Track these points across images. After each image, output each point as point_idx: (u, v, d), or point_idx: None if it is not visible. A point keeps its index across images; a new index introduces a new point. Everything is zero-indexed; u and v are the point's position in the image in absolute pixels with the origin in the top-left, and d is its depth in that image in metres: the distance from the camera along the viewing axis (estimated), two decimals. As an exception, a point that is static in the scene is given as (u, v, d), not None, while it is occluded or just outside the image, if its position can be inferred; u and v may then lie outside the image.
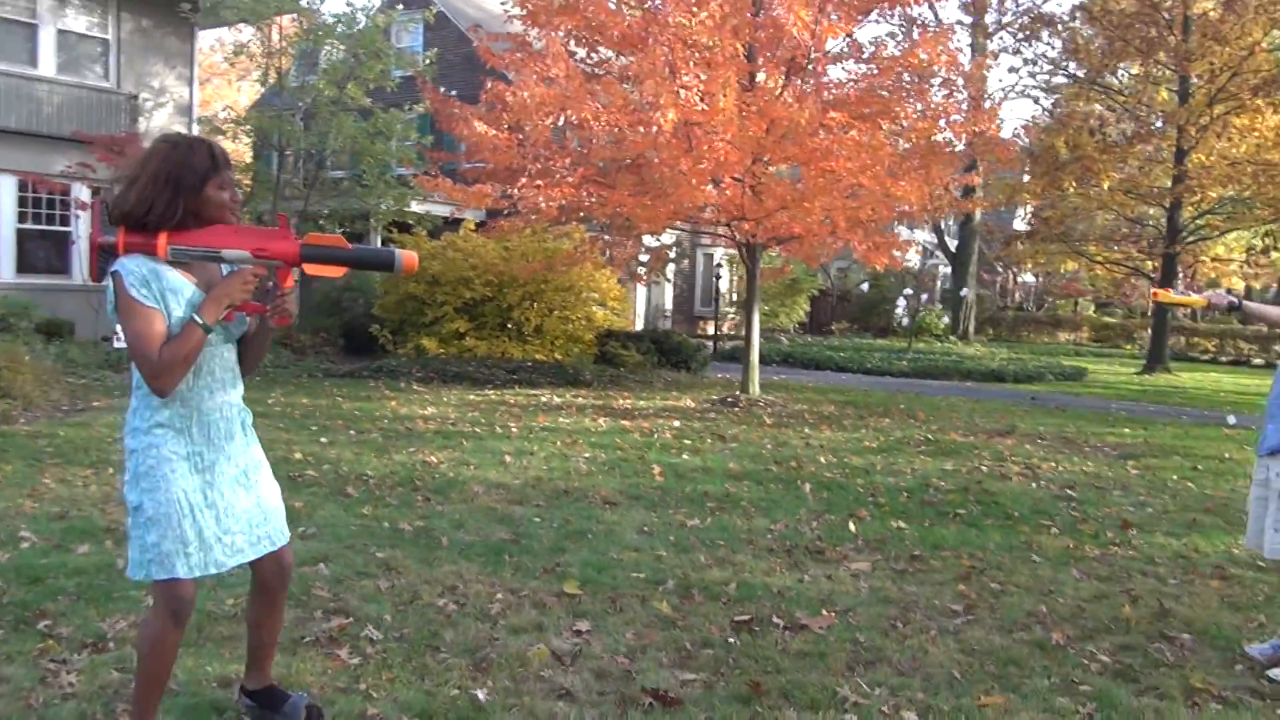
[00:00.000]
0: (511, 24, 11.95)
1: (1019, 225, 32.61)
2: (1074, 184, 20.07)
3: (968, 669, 3.93)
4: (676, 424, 10.30)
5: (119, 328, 2.71)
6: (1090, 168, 19.46)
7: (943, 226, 27.91)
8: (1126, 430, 11.56)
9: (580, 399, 12.31)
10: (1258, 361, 28.14)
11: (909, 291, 24.07)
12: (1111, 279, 29.06)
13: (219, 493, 2.81)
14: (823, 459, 8.57)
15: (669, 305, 28.60)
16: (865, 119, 10.87)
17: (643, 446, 8.84)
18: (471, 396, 12.02)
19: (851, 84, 11.30)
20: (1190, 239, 21.54)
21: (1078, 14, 20.17)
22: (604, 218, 11.75)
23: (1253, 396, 17.78)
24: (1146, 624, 4.62)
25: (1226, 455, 9.89)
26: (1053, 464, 8.83)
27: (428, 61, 16.49)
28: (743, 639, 4.13)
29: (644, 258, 14.52)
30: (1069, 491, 7.65)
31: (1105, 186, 19.72)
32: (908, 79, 11.23)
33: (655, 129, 9.59)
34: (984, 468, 8.50)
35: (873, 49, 11.35)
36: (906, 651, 4.08)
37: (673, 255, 20.76)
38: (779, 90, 10.93)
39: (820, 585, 4.96)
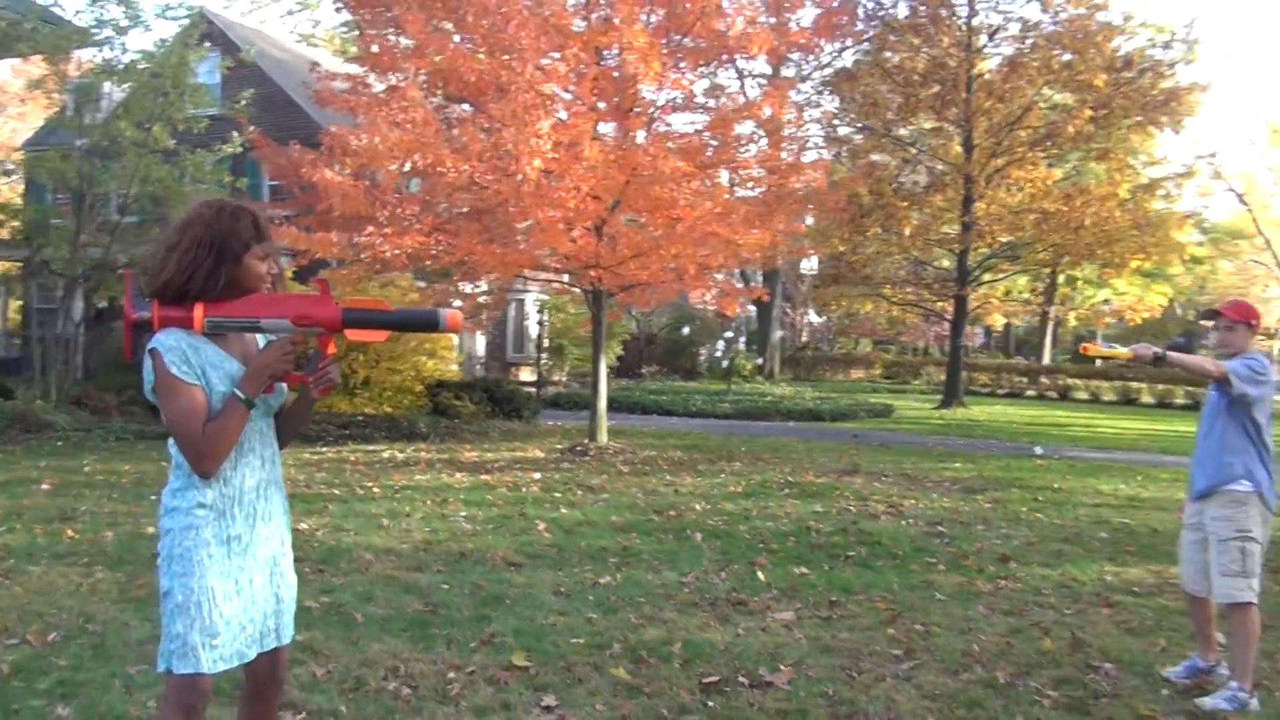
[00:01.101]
0: (320, 65, 11.56)
1: (805, 270, 34.16)
2: (879, 229, 21.31)
3: (941, 715, 4.01)
4: (537, 476, 10.12)
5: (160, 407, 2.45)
6: (893, 214, 20.75)
7: (747, 272, 28.89)
8: (957, 464, 12.24)
9: (423, 453, 11.91)
10: (1030, 393, 30.53)
11: (729, 334, 24.78)
12: (906, 319, 30.90)
13: (249, 579, 2.59)
14: (698, 506, 8.63)
15: (481, 352, 28.23)
16: (705, 168, 11.15)
17: (515, 502, 8.63)
18: (307, 455, 11.41)
19: (694, 134, 11.56)
20: (977, 281, 23.25)
21: (874, 71, 21.46)
22: (451, 265, 11.48)
23: (1040, 426, 19.26)
24: (1068, 655, 4.87)
25: (1056, 485, 10.64)
26: (912, 501, 9.23)
27: (243, 102, 15.70)
28: (717, 701, 4.07)
29: (483, 300, 14.25)
30: (939, 528, 8.01)
31: (906, 232, 21.05)
32: (747, 130, 11.61)
33: (520, 177, 9.48)
34: (852, 508, 8.78)
35: (713, 100, 11.67)
36: (876, 702, 4.13)
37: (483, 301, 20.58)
38: (633, 140, 11.06)
39: (760, 638, 4.96)
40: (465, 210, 11.67)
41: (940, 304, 24.19)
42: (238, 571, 2.54)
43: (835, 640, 4.97)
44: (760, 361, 30.09)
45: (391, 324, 2.56)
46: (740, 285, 16.93)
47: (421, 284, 14.31)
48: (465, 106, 11.31)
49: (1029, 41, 21.01)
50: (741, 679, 4.32)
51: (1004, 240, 22.36)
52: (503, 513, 8.10)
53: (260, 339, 2.65)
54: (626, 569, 6.32)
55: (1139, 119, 20.27)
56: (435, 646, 4.67)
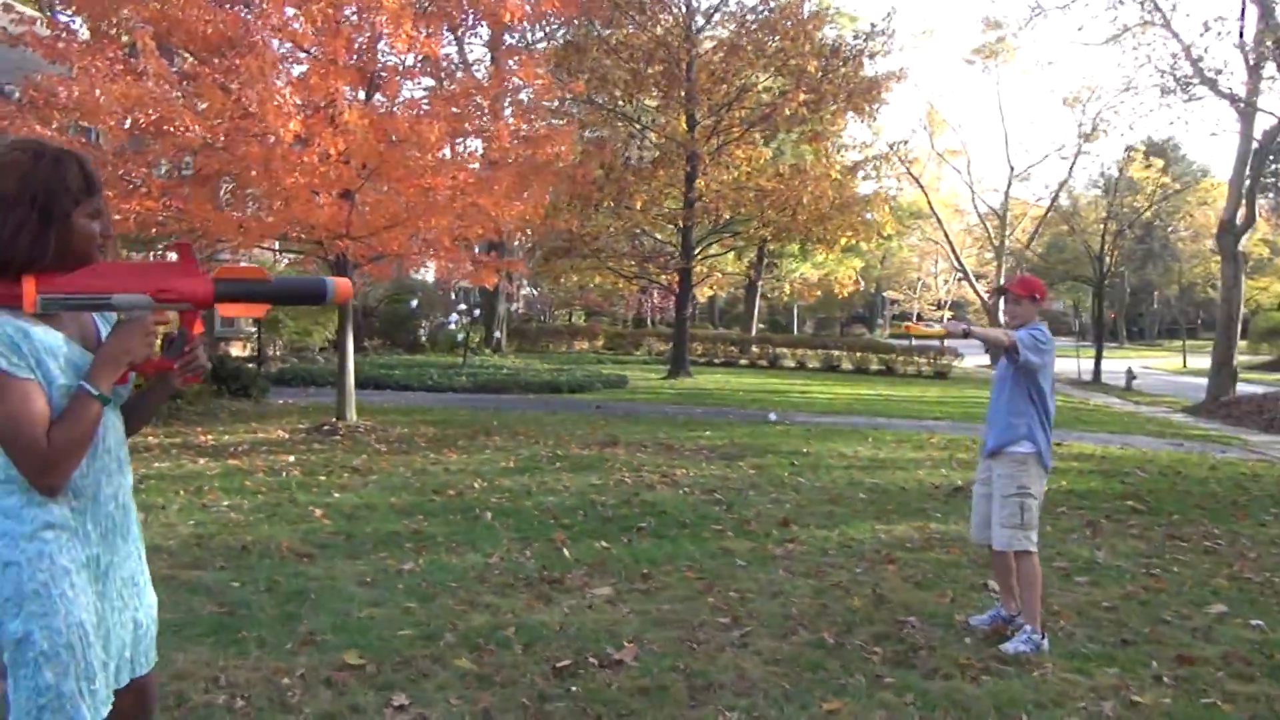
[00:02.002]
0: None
1: (519, 243, 34.14)
2: (611, 203, 21.63)
3: (789, 680, 4.13)
4: (291, 459, 9.50)
5: None
6: (624, 189, 21.13)
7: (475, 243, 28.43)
8: (707, 433, 12.68)
9: (152, 438, 10.86)
10: (743, 362, 32.22)
11: (463, 307, 24.33)
12: (625, 290, 31.63)
13: (110, 606, 2.16)
14: (476, 484, 8.42)
15: (187, 326, 26.15)
16: (461, 136, 10.84)
17: (279, 487, 8.05)
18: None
19: (446, 99, 11.17)
20: (700, 255, 24.18)
21: (600, 46, 21.69)
22: (180, 233, 10.49)
23: (763, 394, 20.37)
24: (875, 612, 5.17)
25: (804, 450, 11.27)
26: (682, 470, 9.47)
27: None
28: (575, 684, 3.98)
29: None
30: (715, 495, 8.27)
31: (638, 206, 21.52)
32: (495, 101, 11.35)
33: (271, 139, 8.76)
34: (627, 479, 8.88)
35: (460, 68, 11.33)
36: (726, 672, 4.19)
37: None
38: (387, 105, 10.51)
39: (589, 617, 4.91)
40: (191, 174, 10.70)
41: (665, 277, 24.95)
42: (99, 599, 2.12)
43: (661, 613, 5.01)
44: (496, 335, 29.84)
45: (270, 296, 2.17)
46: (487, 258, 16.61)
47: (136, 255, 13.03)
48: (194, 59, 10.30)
49: (745, 25, 22.01)
50: (591, 660, 4.26)
51: (727, 217, 23.37)
52: (269, 499, 7.54)
53: (98, 319, 2.18)
54: (426, 553, 6.06)
55: (844, 104, 21.76)
56: (249, 651, 4.27)
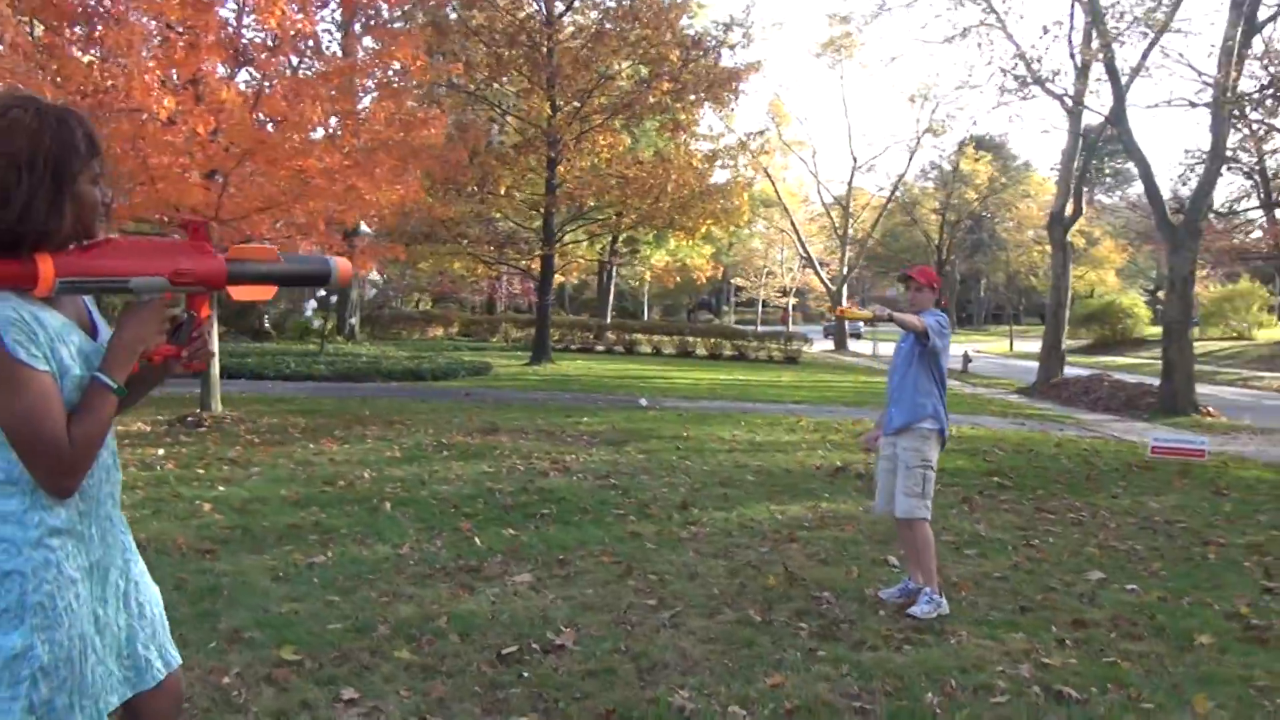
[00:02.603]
0: None
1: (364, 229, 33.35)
2: (475, 188, 21.35)
3: (728, 657, 4.26)
4: (160, 451, 9.07)
5: None
6: (489, 173, 20.89)
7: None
8: (585, 419, 12.74)
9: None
10: (600, 348, 32.37)
11: (321, 292, 23.56)
12: (480, 276, 31.27)
13: (109, 610, 2.03)
14: (366, 475, 8.25)
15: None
16: (342, 117, 10.55)
17: (157, 482, 7.69)
18: None
19: (320, 79, 10.82)
20: (561, 241, 24.16)
21: (461, 28, 21.35)
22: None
23: (627, 379, 20.57)
24: (791, 589, 5.37)
25: (685, 434, 11.47)
26: (571, 456, 9.50)
27: None
28: (526, 670, 4.00)
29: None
30: (610, 480, 8.35)
31: (502, 191, 21.32)
32: (379, 78, 11.09)
33: (145, 116, 8.29)
34: (519, 466, 8.87)
35: (338, 44, 10.99)
36: (668, 651, 4.29)
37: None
38: (262, 84, 10.10)
39: (517, 604, 4.92)
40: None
41: (526, 263, 24.83)
42: (99, 605, 1.99)
43: (587, 598, 5.06)
44: (350, 322, 29.05)
45: (280, 277, 2.07)
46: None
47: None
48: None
49: (608, 13, 22.07)
50: (533, 646, 4.28)
51: (590, 203, 23.43)
52: (151, 495, 7.19)
53: (88, 301, 2.03)
54: (333, 546, 5.92)
55: (704, 95, 22.11)
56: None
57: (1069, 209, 24.32)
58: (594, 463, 9.23)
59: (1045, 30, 30.03)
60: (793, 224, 46.02)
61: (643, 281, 44.46)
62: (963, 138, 50.42)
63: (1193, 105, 23.01)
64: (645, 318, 56.99)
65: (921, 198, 56.68)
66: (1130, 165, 58.39)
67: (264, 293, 2.06)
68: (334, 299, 26.19)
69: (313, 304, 24.66)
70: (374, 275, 46.98)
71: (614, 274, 38.34)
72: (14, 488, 1.81)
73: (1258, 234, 39.39)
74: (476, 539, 6.19)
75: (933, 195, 56.47)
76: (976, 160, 51.29)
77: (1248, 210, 36.39)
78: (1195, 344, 20.85)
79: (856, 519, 7.26)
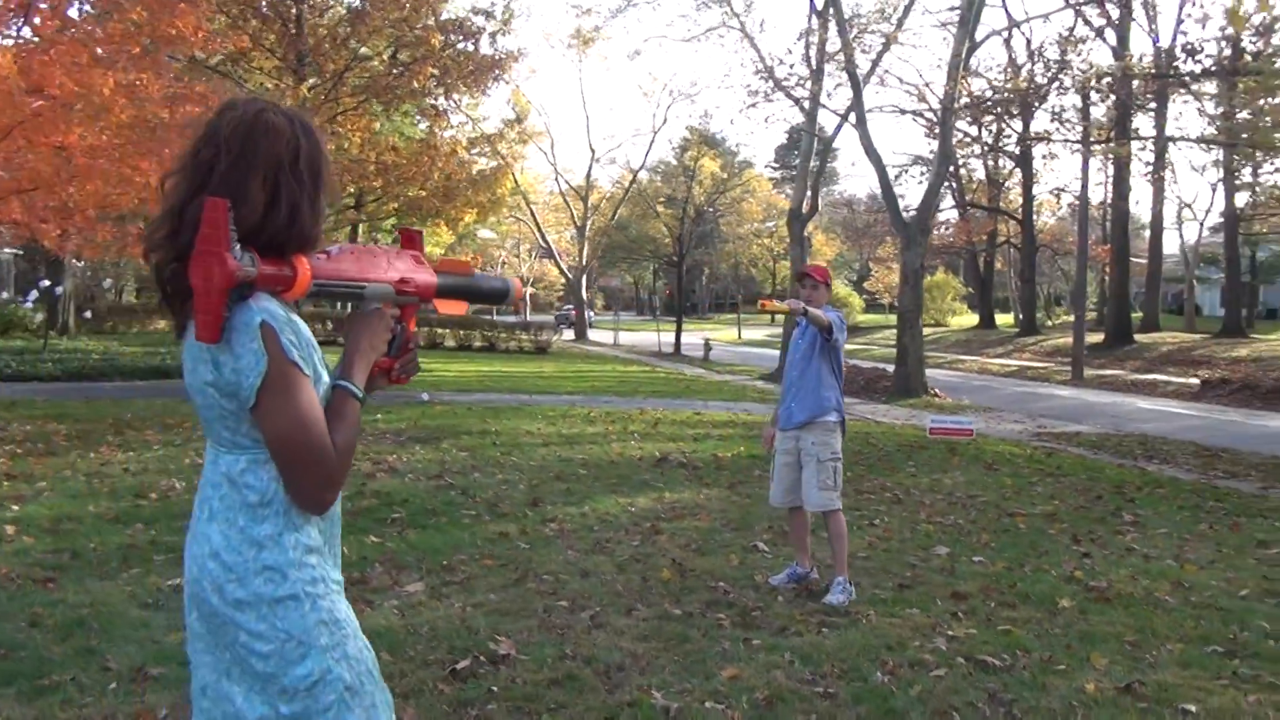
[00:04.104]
0: None
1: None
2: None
3: (674, 653, 4.30)
4: (-91, 468, 7.91)
5: (267, 413, 1.61)
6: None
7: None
8: (379, 416, 12.23)
9: None
10: (340, 341, 31.08)
11: (45, 282, 21.05)
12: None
13: None
14: (177, 484, 7.58)
15: None
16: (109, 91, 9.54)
17: (-71, 503, 6.71)
18: None
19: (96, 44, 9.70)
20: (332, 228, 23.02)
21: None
22: None
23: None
24: (685, 581, 5.47)
25: (493, 429, 11.28)
26: (394, 456, 9.13)
27: None
28: (485, 683, 3.85)
29: None
30: (444, 480, 8.12)
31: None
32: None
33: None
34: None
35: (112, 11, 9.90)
36: (612, 652, 4.28)
37: None
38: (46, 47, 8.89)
39: (427, 615, 4.73)
40: None
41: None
42: None
43: (496, 604, 4.94)
44: (63, 316, 26.20)
45: (472, 293, 2.03)
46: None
47: None
48: None
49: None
50: (480, 658, 4.13)
51: (351, 190, 22.46)
52: (-68, 520, 6.27)
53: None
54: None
55: (469, 82, 21.76)
56: (74, 697, 3.66)
57: (806, 205, 25.89)
58: (419, 462, 8.92)
59: (800, 36, 31.82)
60: (532, 214, 46.13)
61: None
62: (683, 134, 52.46)
63: (917, 114, 25.10)
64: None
65: (652, 191, 58.45)
66: (835, 165, 62.91)
67: (458, 308, 1.97)
68: (60, 290, 23.54)
69: (34, 295, 22.07)
70: (79, 261, 42.91)
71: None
72: (268, 509, 1.71)
73: (953, 231, 43.72)
74: (346, 549, 5.83)
75: (664, 189, 58.38)
76: (703, 157, 53.45)
77: (944, 210, 40.29)
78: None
79: (704, 508, 7.46)
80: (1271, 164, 30.35)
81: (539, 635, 4.46)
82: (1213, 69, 18.58)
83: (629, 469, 9.01)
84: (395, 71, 21.37)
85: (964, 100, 21.18)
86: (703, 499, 7.81)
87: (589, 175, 45.42)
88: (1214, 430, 15.11)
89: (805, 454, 5.39)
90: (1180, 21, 28.60)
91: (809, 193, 25.75)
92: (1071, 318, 31.35)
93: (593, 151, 61.04)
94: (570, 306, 52.67)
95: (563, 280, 55.95)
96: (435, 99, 21.90)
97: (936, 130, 23.55)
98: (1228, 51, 18.41)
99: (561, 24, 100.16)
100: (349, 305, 1.90)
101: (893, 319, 22.27)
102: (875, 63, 22.70)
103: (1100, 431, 14.56)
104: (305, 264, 1.69)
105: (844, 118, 22.87)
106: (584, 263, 46.40)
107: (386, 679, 3.68)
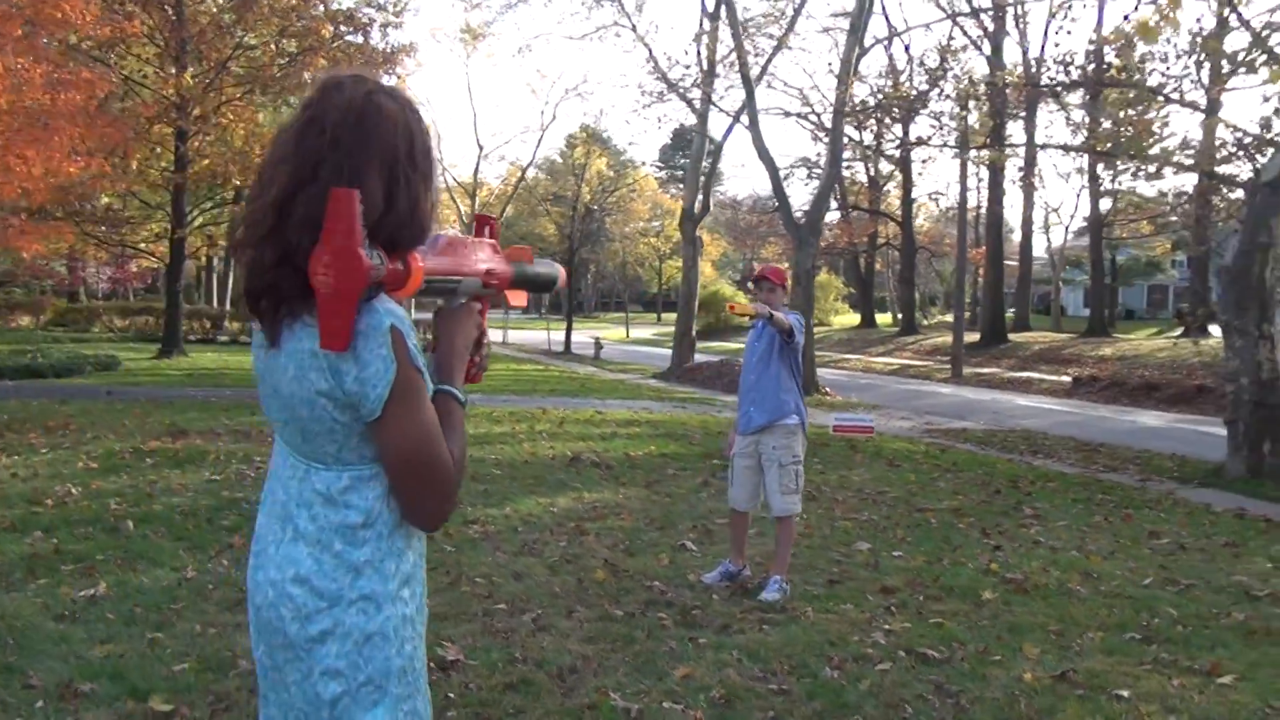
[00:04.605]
0: None
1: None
2: (102, 158, 18.92)
3: (622, 654, 4.30)
4: None
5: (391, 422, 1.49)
6: (118, 143, 18.60)
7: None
8: (257, 417, 11.82)
9: None
10: (224, 339, 30.06)
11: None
12: (101, 260, 27.83)
13: None
14: (73, 490, 7.18)
15: None
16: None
17: None
18: None
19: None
20: (195, 223, 22.16)
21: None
22: None
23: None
24: (620, 582, 5.48)
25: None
26: (299, 458, 8.83)
27: None
28: (443, 689, 3.78)
29: None
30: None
31: (134, 165, 19.08)
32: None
33: None
34: (250, 472, 8.15)
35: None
36: (563, 655, 4.26)
37: None
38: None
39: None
40: None
41: (153, 245, 22.50)
42: None
43: (432, 607, 4.70)
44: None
45: (532, 281, 1.92)
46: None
47: None
48: None
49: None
50: (429, 664, 4.03)
51: (237, 183, 21.67)
52: None
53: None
54: (99, 575, 5.15)
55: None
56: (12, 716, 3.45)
57: (698, 206, 26.14)
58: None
59: (696, 39, 32.11)
60: (455, 201, 45.41)
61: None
62: (571, 132, 52.44)
63: (803, 117, 25.56)
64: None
65: (540, 189, 58.21)
66: (722, 166, 63.70)
67: (522, 298, 1.92)
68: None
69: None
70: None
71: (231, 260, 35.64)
72: (370, 531, 1.56)
73: (835, 232, 44.75)
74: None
75: (552, 186, 58.19)
76: (592, 155, 53.49)
77: (827, 212, 41.08)
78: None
79: (625, 507, 7.47)
80: (1130, 172, 32.11)
81: (484, 640, 4.40)
82: (1079, 80, 19.50)
83: (543, 469, 8.96)
84: (282, 62, 20.73)
85: (853, 105, 21.67)
86: (622, 498, 7.82)
87: (476, 172, 44.88)
88: (1088, 426, 15.86)
89: (766, 458, 5.41)
90: (1046, 37, 29.88)
91: (700, 194, 26.00)
92: (948, 318, 32.45)
93: (480, 148, 60.35)
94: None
95: (448, 277, 55.05)
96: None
97: (823, 133, 24.11)
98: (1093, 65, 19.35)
99: (450, 18, 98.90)
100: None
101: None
102: (765, 66, 23.06)
103: (985, 428, 15.12)
104: (417, 260, 1.56)
105: (735, 119, 23.16)
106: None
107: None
